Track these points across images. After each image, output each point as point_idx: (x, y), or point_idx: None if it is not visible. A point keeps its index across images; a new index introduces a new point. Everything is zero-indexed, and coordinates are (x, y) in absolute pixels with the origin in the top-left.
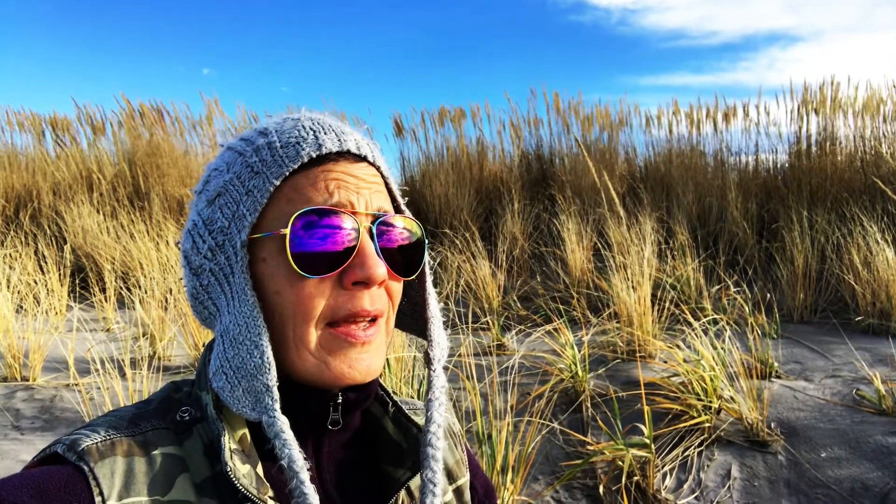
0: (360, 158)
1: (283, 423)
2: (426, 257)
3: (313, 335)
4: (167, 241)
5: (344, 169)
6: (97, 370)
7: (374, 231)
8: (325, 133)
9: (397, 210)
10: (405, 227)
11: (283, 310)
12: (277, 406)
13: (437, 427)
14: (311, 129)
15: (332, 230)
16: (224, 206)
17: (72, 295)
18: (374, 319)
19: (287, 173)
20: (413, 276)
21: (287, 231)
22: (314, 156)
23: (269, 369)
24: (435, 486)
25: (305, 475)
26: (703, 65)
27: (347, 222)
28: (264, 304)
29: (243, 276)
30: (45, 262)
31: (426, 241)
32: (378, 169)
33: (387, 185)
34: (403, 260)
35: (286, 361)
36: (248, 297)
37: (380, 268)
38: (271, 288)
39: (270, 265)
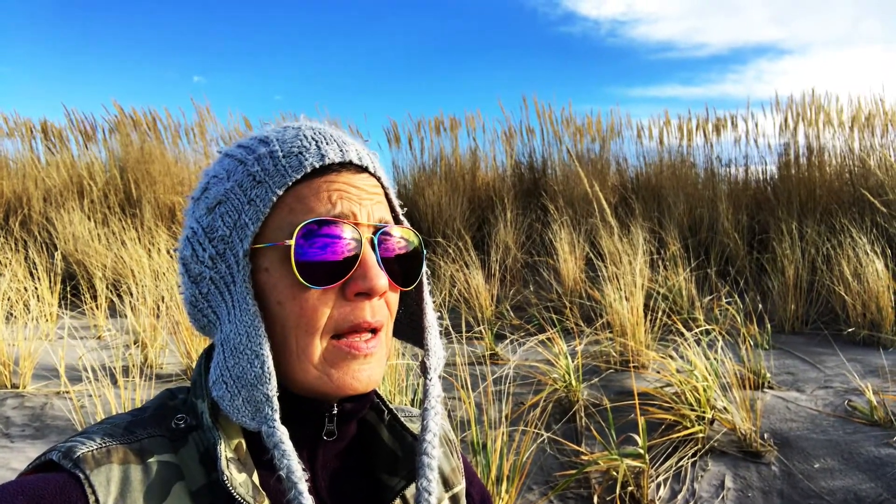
0: (362, 169)
1: (283, 433)
2: (424, 267)
3: (317, 347)
4: (159, 249)
5: (346, 180)
6: (88, 378)
7: (376, 242)
8: (327, 143)
9: (396, 220)
10: (404, 237)
11: (285, 320)
12: (277, 416)
13: (432, 436)
14: (312, 138)
15: (335, 241)
16: (225, 215)
17: (62, 302)
18: (375, 331)
19: (290, 183)
20: (412, 287)
21: (292, 242)
22: (317, 166)
23: (269, 379)
24: (430, 494)
25: (304, 486)
26: (691, 76)
27: (350, 233)
28: (265, 314)
29: (245, 285)
30: (36, 269)
31: (424, 252)
32: (378, 179)
33: (386, 195)
34: (402, 270)
35: (286, 371)
36: (250, 307)
37: (382, 279)
38: (274, 298)
39: (273, 275)
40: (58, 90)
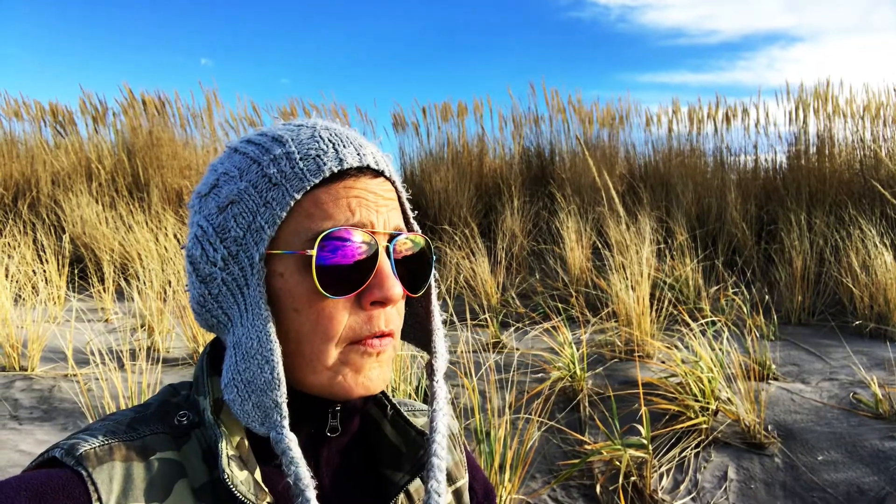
0: (378, 174)
1: (291, 440)
2: (433, 272)
3: (332, 353)
4: (166, 233)
5: (364, 186)
6: (95, 361)
7: (391, 250)
8: (344, 146)
9: (407, 223)
10: (416, 244)
11: (300, 327)
12: (286, 423)
13: (441, 437)
14: (329, 140)
15: (354, 251)
16: (238, 216)
17: (70, 285)
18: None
19: (308, 187)
20: (420, 293)
21: (314, 252)
22: (336, 171)
23: (278, 385)
24: (440, 496)
25: (312, 493)
26: (701, 63)
27: (368, 242)
28: (278, 319)
29: (259, 289)
30: (44, 252)
31: (433, 258)
32: (393, 184)
33: (399, 199)
34: (412, 276)
35: (297, 376)
36: (262, 312)
37: (397, 288)
38: (289, 305)
39: (289, 282)
40: (65, 73)
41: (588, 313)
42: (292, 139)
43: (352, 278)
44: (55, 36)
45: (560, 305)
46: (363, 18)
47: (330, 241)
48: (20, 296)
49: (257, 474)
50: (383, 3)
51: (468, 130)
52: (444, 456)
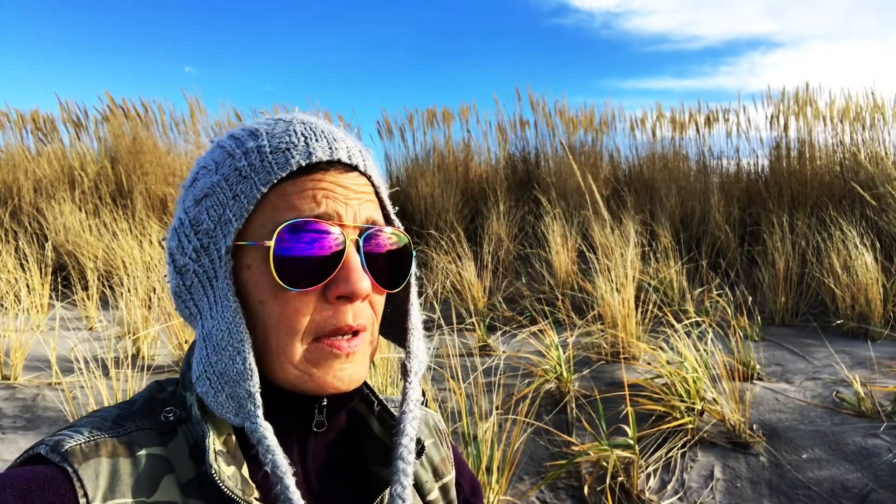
0: (351, 168)
1: (266, 428)
2: (413, 269)
3: (297, 348)
4: (150, 240)
5: (333, 179)
6: (80, 369)
7: (361, 244)
8: (316, 140)
9: (387, 218)
10: (393, 238)
11: (266, 319)
12: (260, 412)
13: (409, 440)
14: (302, 134)
15: (317, 242)
16: (210, 208)
17: (54, 293)
18: (357, 332)
19: (275, 181)
20: (398, 289)
21: (271, 243)
22: (303, 164)
23: (251, 376)
24: (404, 501)
25: (290, 480)
26: (684, 69)
27: (333, 234)
28: (248, 311)
29: (226, 281)
30: (27, 261)
31: (413, 254)
32: (369, 178)
33: (377, 194)
34: (390, 271)
35: (269, 369)
36: (231, 304)
37: (364, 282)
38: (256, 297)
39: (255, 273)
40: (48, 81)
41: (574, 316)
42: (266, 132)
43: (315, 271)
44: (37, 44)
45: (546, 309)
46: (348, 25)
47: (291, 233)
48: (2, 304)
49: (244, 470)
50: (368, 10)
51: (454, 136)
52: (411, 460)
